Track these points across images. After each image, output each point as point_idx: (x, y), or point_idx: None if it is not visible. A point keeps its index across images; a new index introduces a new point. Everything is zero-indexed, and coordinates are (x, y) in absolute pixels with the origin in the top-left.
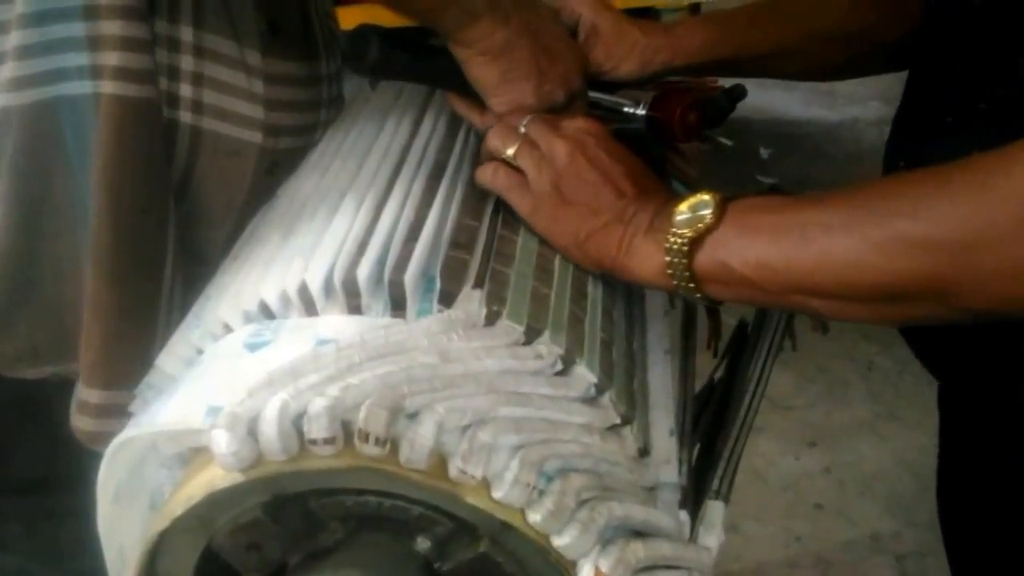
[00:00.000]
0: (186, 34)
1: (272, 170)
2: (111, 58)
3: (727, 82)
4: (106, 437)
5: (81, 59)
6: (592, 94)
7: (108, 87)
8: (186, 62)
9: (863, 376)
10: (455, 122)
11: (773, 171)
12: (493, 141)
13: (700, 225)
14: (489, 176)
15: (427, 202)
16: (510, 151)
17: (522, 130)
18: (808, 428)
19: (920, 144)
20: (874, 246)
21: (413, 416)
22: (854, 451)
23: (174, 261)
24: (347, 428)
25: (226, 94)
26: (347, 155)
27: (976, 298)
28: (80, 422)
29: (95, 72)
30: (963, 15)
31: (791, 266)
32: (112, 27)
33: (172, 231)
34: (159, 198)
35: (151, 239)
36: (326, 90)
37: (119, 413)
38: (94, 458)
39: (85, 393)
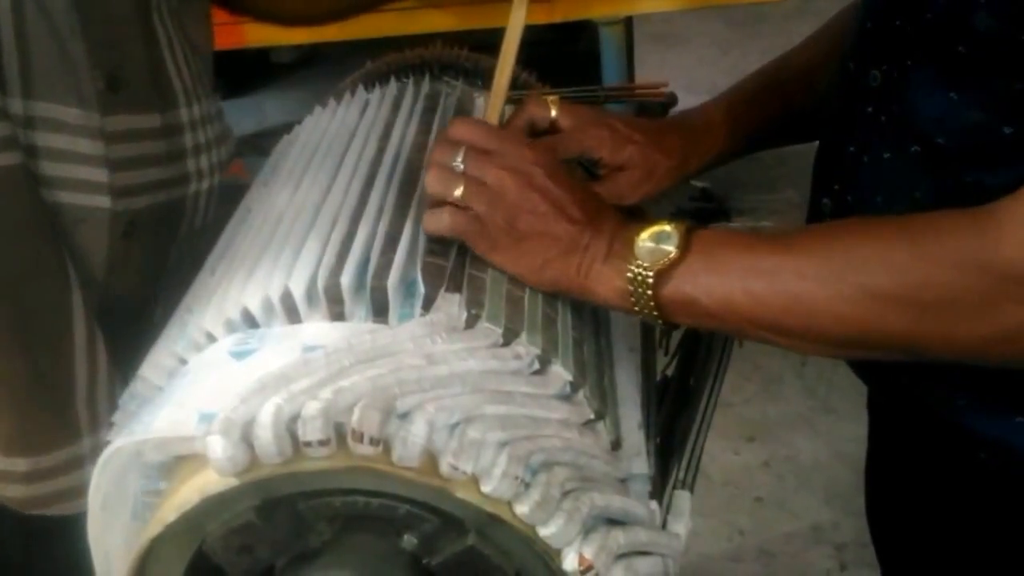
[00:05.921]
0: (15, 106)
1: (131, 232)
2: None
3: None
4: (43, 500)
5: None
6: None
7: None
8: (19, 135)
9: (797, 372)
10: (423, 134)
11: (703, 175)
12: (434, 187)
13: (665, 259)
14: (440, 223)
15: (401, 214)
16: (457, 192)
17: (459, 167)
18: (746, 424)
19: (850, 176)
20: (846, 301)
21: (404, 416)
22: (791, 445)
23: (88, 324)
24: (340, 430)
25: (63, 161)
26: (317, 169)
27: (943, 352)
28: (9, 491)
29: None
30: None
31: (760, 307)
32: None
33: (80, 295)
34: (45, 265)
35: (47, 308)
36: (191, 137)
37: (51, 475)
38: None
39: (6, 463)
